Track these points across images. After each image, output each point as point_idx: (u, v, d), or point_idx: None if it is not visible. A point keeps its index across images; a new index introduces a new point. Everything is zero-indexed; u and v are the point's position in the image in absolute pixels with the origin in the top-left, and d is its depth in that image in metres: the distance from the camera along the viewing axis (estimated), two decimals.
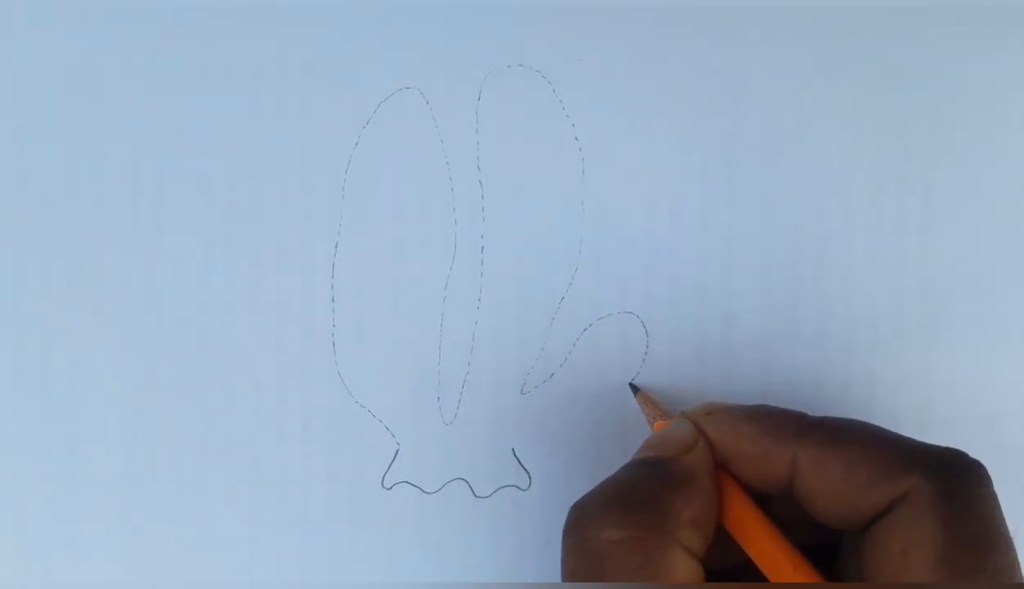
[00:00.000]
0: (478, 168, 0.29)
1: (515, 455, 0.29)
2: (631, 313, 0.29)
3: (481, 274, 0.29)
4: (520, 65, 0.29)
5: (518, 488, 0.29)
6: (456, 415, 0.29)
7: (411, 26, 0.29)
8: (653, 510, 0.22)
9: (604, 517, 0.22)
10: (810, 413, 0.24)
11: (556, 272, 0.29)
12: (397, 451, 0.29)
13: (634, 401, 0.29)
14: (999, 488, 0.30)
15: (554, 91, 0.29)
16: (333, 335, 0.29)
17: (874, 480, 0.22)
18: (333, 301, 0.29)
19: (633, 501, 0.23)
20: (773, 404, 0.25)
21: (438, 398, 0.29)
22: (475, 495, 0.29)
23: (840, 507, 0.23)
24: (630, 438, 0.28)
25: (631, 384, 0.29)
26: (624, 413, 0.29)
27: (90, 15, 0.29)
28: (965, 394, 0.29)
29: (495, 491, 0.29)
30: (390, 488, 0.29)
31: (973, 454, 0.27)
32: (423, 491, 0.29)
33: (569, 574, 0.23)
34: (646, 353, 0.29)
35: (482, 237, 0.29)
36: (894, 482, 0.22)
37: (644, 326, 0.29)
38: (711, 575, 0.23)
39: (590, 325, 0.29)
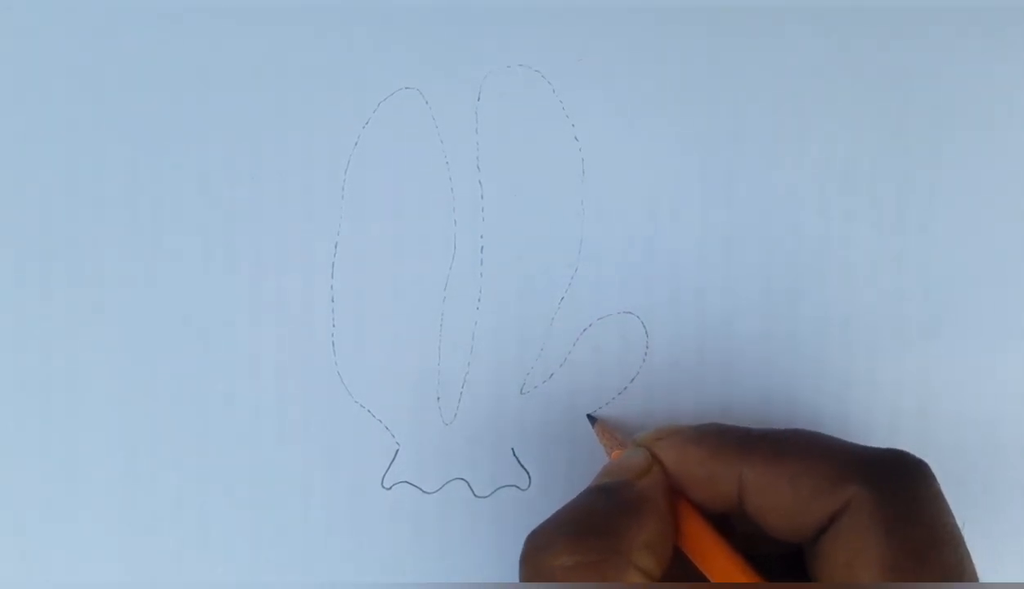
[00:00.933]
0: (478, 168, 0.29)
1: (515, 455, 0.29)
2: (631, 313, 0.29)
3: (481, 274, 0.29)
4: (520, 65, 0.29)
5: (518, 488, 0.29)
6: (456, 415, 0.29)
7: (411, 26, 0.29)
8: (607, 534, 0.22)
9: (557, 544, 0.22)
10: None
11: (556, 272, 0.29)
12: (397, 451, 0.29)
13: (634, 402, 0.29)
14: (999, 488, 0.30)
15: (554, 91, 0.29)
16: (333, 335, 0.29)
17: (816, 492, 0.22)
18: (333, 301, 0.29)
19: (586, 526, 0.23)
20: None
21: (438, 398, 0.29)
22: (475, 495, 0.29)
23: (789, 522, 0.23)
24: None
25: (589, 415, 0.29)
26: (624, 413, 0.29)
27: (90, 15, 0.29)
28: (965, 394, 0.29)
29: (495, 491, 0.29)
30: (390, 488, 0.29)
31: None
32: (423, 491, 0.29)
33: None
34: (646, 353, 0.29)
35: (482, 237, 0.29)
36: (835, 493, 0.22)
37: (644, 326, 0.29)
38: None
39: (590, 325, 0.29)
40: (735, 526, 0.25)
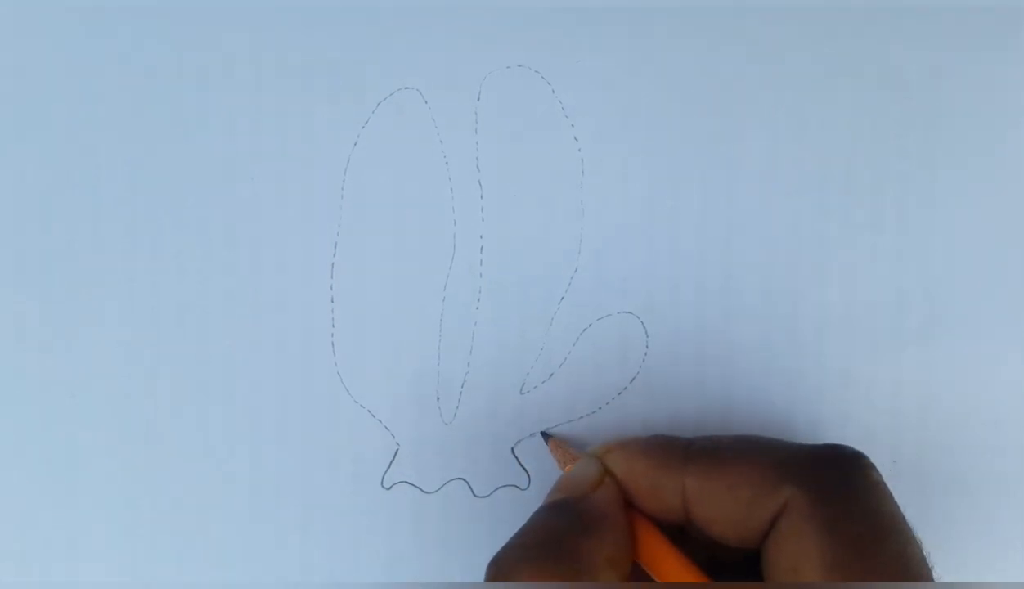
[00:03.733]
0: (477, 168, 0.29)
1: (514, 455, 0.29)
2: (631, 313, 0.29)
3: (480, 274, 0.29)
4: (520, 65, 0.29)
5: (517, 488, 0.29)
6: (456, 415, 0.29)
7: (411, 26, 0.29)
8: (569, 555, 0.22)
9: (522, 570, 0.22)
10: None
11: (556, 272, 0.29)
12: (396, 451, 0.29)
13: (636, 402, 0.29)
14: (1000, 488, 0.30)
15: (553, 91, 0.29)
16: (332, 335, 0.29)
17: (755, 498, 0.22)
18: (332, 301, 0.29)
19: (548, 549, 0.23)
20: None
21: (438, 398, 0.29)
22: (474, 495, 0.29)
23: (734, 529, 0.23)
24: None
25: (543, 432, 0.29)
26: (623, 413, 0.29)
27: (90, 14, 0.29)
28: (965, 394, 0.29)
29: (494, 491, 0.29)
30: (389, 488, 0.29)
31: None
32: (422, 491, 0.29)
33: None
34: (645, 353, 0.29)
35: (481, 237, 0.29)
36: (773, 497, 0.22)
37: (644, 326, 0.29)
38: None
39: (590, 325, 0.29)
40: (691, 535, 0.25)
